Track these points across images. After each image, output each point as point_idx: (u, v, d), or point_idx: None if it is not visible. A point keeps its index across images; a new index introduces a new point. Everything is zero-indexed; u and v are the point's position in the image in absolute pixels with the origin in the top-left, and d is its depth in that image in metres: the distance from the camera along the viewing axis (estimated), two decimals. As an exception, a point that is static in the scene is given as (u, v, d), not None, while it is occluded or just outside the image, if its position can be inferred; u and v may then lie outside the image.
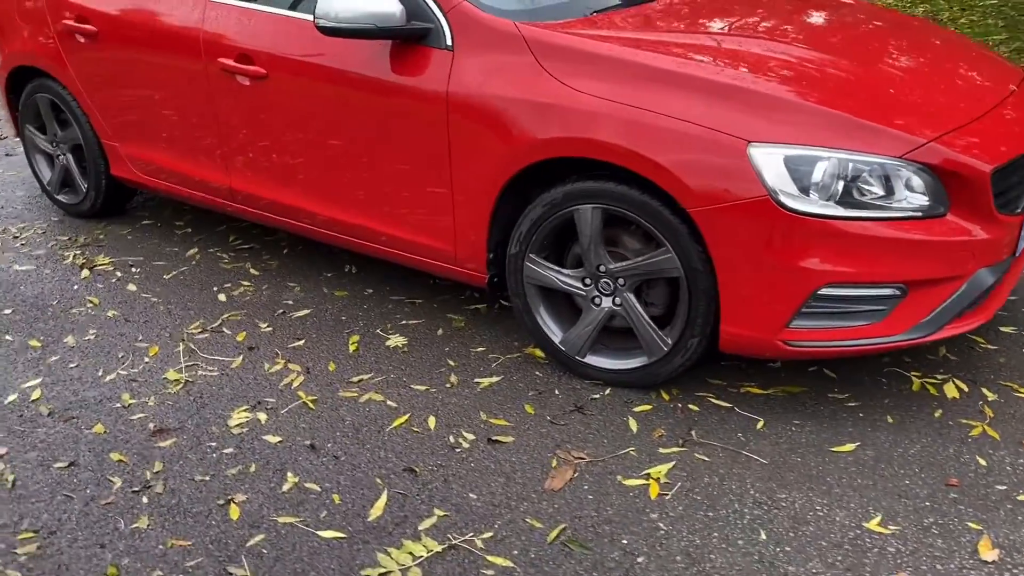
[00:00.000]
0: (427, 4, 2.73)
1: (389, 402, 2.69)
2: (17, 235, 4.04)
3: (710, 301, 2.44)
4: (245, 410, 2.67)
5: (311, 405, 2.68)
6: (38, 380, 2.87)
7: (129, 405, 2.71)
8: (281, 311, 3.28)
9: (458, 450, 2.45)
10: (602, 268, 2.60)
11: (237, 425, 2.59)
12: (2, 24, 4.10)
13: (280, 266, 3.65)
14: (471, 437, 2.50)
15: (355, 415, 2.63)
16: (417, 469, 2.37)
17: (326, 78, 2.93)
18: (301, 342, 3.06)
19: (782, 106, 2.33)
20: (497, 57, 2.61)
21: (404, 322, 3.17)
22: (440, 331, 3.10)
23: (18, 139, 5.54)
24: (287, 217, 3.31)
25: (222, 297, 3.40)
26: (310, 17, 2.98)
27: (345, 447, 2.48)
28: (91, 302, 3.39)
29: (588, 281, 2.64)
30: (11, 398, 2.77)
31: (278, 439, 2.52)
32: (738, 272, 2.34)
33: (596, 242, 2.56)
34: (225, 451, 2.48)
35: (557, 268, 2.68)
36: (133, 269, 3.66)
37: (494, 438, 2.49)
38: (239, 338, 3.09)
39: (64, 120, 4.08)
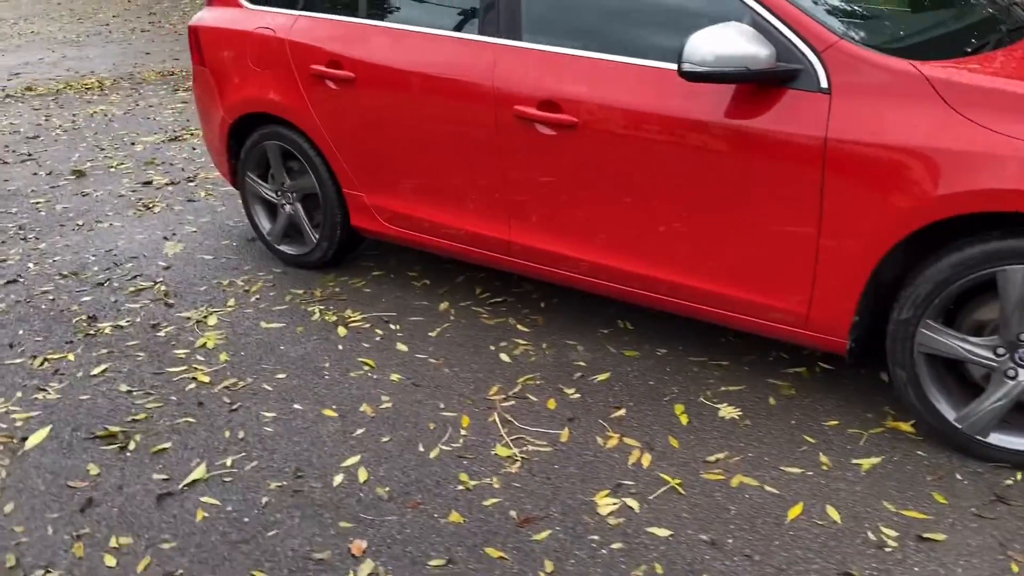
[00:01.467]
0: (794, 44, 2.47)
1: (767, 488, 2.39)
2: (247, 289, 3.85)
3: None
4: (607, 495, 2.40)
5: (680, 490, 2.40)
6: (356, 457, 2.63)
7: (473, 487, 2.46)
8: (579, 374, 3.01)
9: (887, 550, 2.14)
10: (1023, 337, 2.29)
11: (610, 514, 2.32)
12: (225, 72, 3.93)
13: (547, 321, 3.40)
14: (893, 533, 2.19)
15: (737, 503, 2.34)
16: (855, 574, 2.07)
17: (657, 126, 2.68)
18: (621, 411, 2.78)
19: None
20: (893, 100, 2.34)
21: (723, 388, 2.89)
22: (771, 400, 2.81)
23: (193, 183, 5.41)
24: (576, 272, 3.06)
25: (504, 357, 3.15)
26: (632, 61, 2.76)
27: (750, 543, 2.19)
28: (366, 364, 3.16)
29: (1002, 351, 2.34)
30: (338, 480, 2.53)
31: (667, 532, 2.24)
32: None
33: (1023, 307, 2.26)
34: (613, 546, 2.20)
35: (962, 336, 2.38)
36: (391, 326, 3.44)
37: (924, 535, 2.18)
38: (550, 406, 2.83)
39: (292, 169, 3.90)
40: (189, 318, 3.59)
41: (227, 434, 2.77)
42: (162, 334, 3.47)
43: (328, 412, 2.87)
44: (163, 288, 3.88)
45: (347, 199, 3.70)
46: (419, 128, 3.31)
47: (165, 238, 4.50)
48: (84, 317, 3.64)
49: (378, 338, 3.35)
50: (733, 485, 2.41)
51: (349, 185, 3.66)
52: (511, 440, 2.67)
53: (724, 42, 2.41)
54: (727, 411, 2.76)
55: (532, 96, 2.93)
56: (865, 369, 2.94)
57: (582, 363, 3.09)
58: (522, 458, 2.57)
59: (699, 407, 2.79)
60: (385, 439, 2.71)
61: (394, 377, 3.06)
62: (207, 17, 4.06)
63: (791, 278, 2.59)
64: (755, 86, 2.52)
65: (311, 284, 3.86)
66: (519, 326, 3.38)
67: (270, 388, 3.03)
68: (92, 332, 3.50)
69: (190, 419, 2.87)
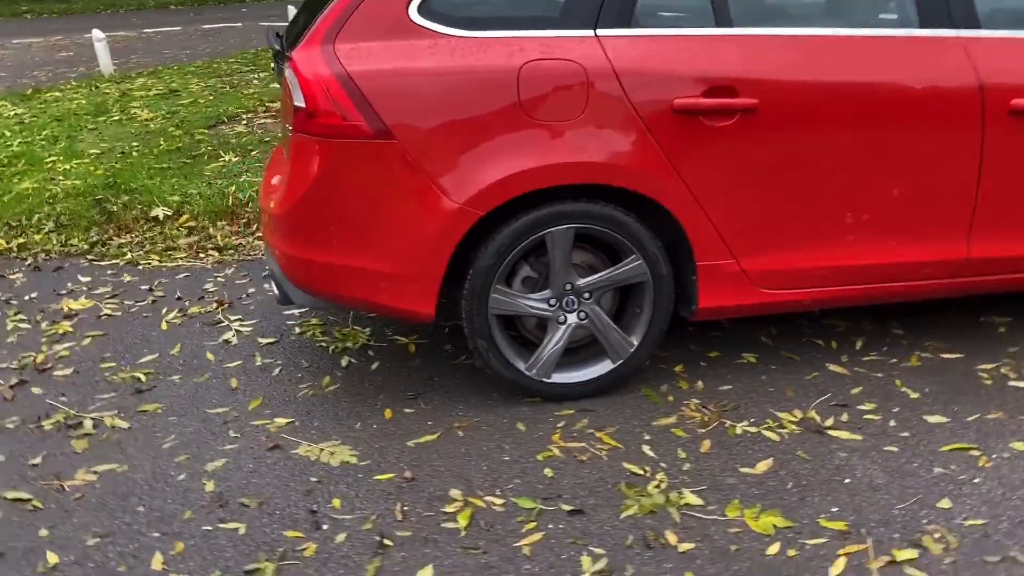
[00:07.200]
0: None
1: None
2: (586, 446, 2.71)
3: None
4: None
5: None
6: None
7: None
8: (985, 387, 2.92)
9: None
10: None
11: None
12: (448, 141, 2.64)
13: (844, 348, 3.20)
14: None
15: None
16: None
17: None
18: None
19: None
20: None
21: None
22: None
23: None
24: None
25: (911, 393, 2.91)
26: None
27: None
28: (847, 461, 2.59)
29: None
30: None
31: None
32: None
33: None
34: None
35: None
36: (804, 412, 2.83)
37: None
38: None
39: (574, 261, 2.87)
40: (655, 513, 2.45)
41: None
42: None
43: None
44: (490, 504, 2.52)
45: (701, 275, 2.83)
46: (858, 153, 2.80)
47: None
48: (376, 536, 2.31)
49: (845, 417, 2.82)
50: None
51: (712, 255, 2.82)
52: None
53: None
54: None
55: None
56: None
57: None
58: None
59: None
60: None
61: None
62: (356, 58, 2.56)
63: None
64: None
65: (629, 409, 2.89)
66: (831, 366, 3.11)
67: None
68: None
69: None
